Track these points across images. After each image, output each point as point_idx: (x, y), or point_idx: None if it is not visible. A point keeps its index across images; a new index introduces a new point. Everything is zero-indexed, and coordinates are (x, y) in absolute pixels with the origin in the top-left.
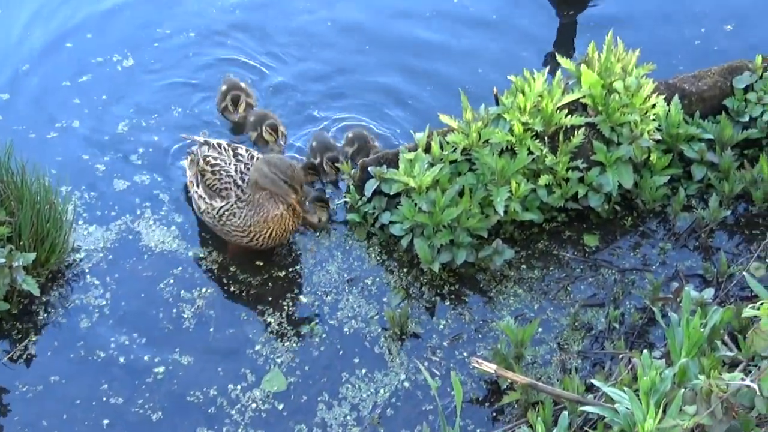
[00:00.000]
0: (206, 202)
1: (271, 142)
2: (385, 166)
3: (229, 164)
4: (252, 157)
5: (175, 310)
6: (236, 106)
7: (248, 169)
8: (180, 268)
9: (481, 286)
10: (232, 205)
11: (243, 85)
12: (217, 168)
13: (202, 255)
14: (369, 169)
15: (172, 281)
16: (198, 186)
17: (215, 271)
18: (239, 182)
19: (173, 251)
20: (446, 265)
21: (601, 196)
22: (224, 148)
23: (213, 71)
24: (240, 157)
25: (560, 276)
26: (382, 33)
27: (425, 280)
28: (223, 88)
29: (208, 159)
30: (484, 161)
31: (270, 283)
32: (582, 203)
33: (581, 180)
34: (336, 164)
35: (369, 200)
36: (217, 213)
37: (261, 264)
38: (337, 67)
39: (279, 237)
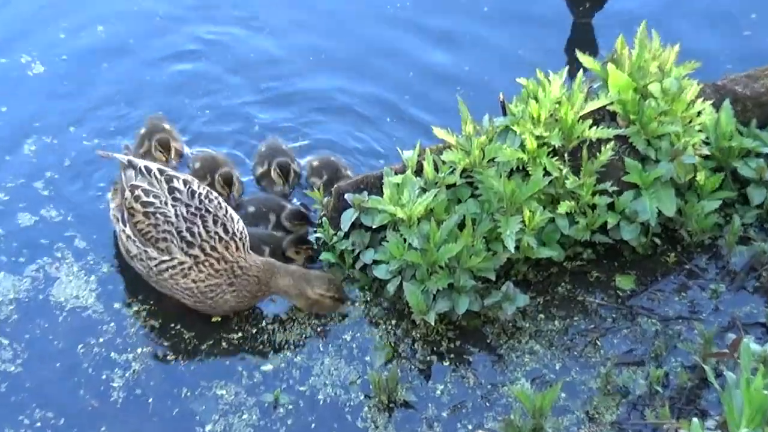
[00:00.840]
0: (138, 247)
1: (224, 195)
2: (365, 193)
3: (166, 204)
4: (193, 194)
5: (103, 378)
6: (167, 152)
7: (191, 213)
8: (108, 326)
9: (489, 341)
10: (182, 264)
11: (167, 126)
12: (151, 211)
13: (136, 308)
14: (346, 196)
15: (100, 341)
16: (125, 225)
17: (153, 328)
18: (185, 234)
19: (99, 304)
20: (444, 315)
21: (636, 226)
22: (155, 175)
23: (132, 83)
24: (177, 194)
25: (587, 327)
26: (353, 31)
27: (418, 335)
28: (142, 131)
29: (137, 194)
30: (489, 185)
31: (224, 343)
32: (613, 236)
33: (611, 207)
34: (284, 170)
35: (347, 235)
36: (155, 265)
37: (214, 319)
38: (292, 73)
39: (239, 308)
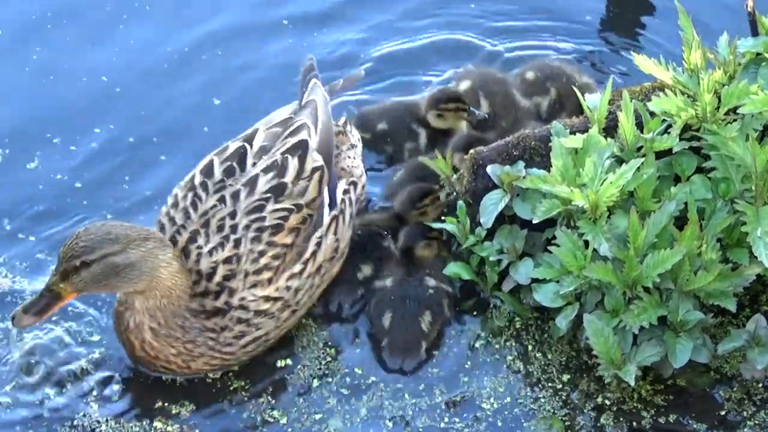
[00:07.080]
0: None
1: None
2: (521, 163)
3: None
4: (252, 191)
5: None
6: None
7: (213, 191)
8: None
9: (723, 413)
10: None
11: None
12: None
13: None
14: (488, 169)
15: None
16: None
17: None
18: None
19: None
20: (651, 369)
21: None
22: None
23: None
24: (231, 177)
25: None
26: None
27: (607, 402)
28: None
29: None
30: (728, 152)
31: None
32: None
33: None
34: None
35: (489, 235)
36: None
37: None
38: None
39: (145, 356)
